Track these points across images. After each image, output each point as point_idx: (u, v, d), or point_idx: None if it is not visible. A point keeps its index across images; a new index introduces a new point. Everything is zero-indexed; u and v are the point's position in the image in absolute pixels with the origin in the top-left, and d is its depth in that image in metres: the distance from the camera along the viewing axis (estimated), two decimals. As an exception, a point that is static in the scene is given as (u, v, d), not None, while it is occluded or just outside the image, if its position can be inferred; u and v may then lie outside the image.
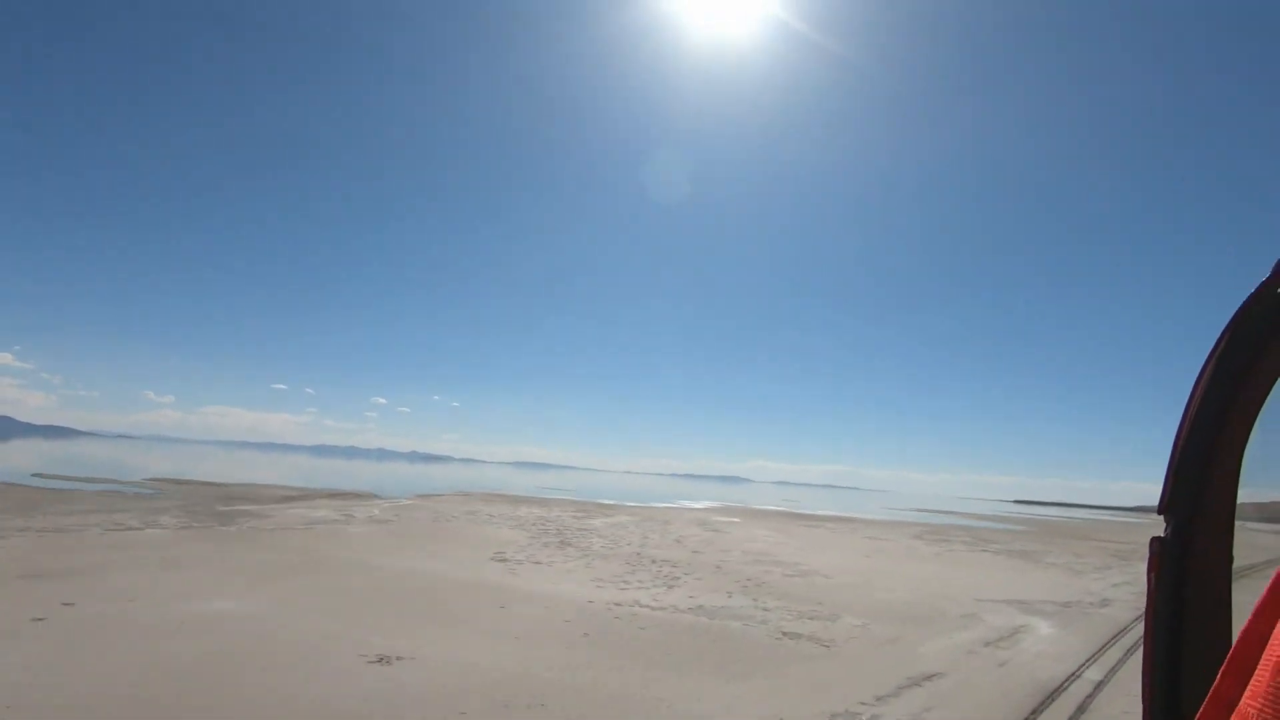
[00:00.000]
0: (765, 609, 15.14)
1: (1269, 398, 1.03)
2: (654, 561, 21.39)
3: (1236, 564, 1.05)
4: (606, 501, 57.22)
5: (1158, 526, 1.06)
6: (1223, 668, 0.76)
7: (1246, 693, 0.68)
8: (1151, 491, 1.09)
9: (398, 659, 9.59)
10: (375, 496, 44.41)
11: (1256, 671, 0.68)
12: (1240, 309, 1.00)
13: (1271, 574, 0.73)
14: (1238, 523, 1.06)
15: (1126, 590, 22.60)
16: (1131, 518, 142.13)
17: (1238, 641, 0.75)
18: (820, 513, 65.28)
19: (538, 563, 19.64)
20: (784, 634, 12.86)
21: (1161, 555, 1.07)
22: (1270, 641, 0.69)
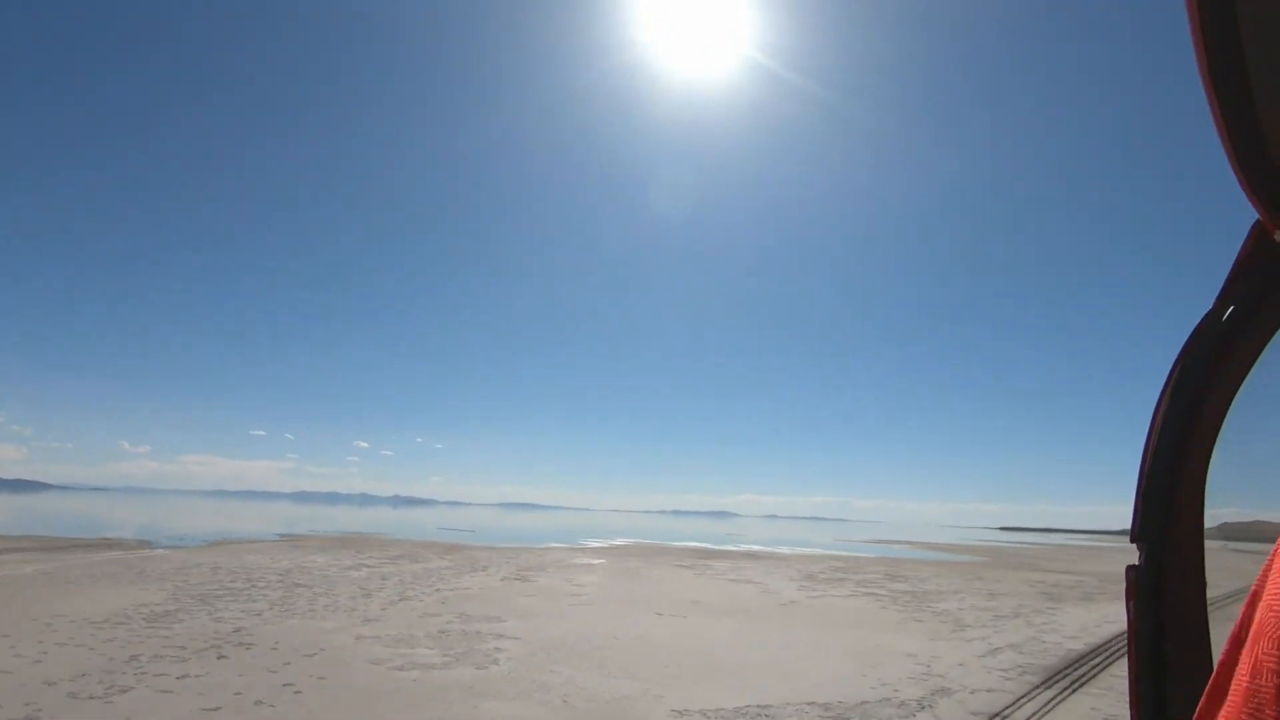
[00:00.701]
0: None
1: (1226, 421, 1.03)
2: (238, 646, 12.89)
3: (1213, 593, 1.05)
4: (470, 544, 48.21)
5: (1125, 552, 1.05)
6: (1204, 696, 0.76)
7: (1221, 716, 0.70)
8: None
9: None
10: (146, 547, 35.50)
11: (1228, 699, 0.70)
12: (1189, 338, 1.03)
13: (1245, 598, 0.76)
14: (1208, 546, 1.06)
15: (1002, 664, 14.25)
16: (1105, 542, 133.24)
17: (1217, 669, 0.76)
18: (737, 549, 56.44)
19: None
20: None
21: (1137, 584, 1.05)
22: (1238, 667, 0.70)
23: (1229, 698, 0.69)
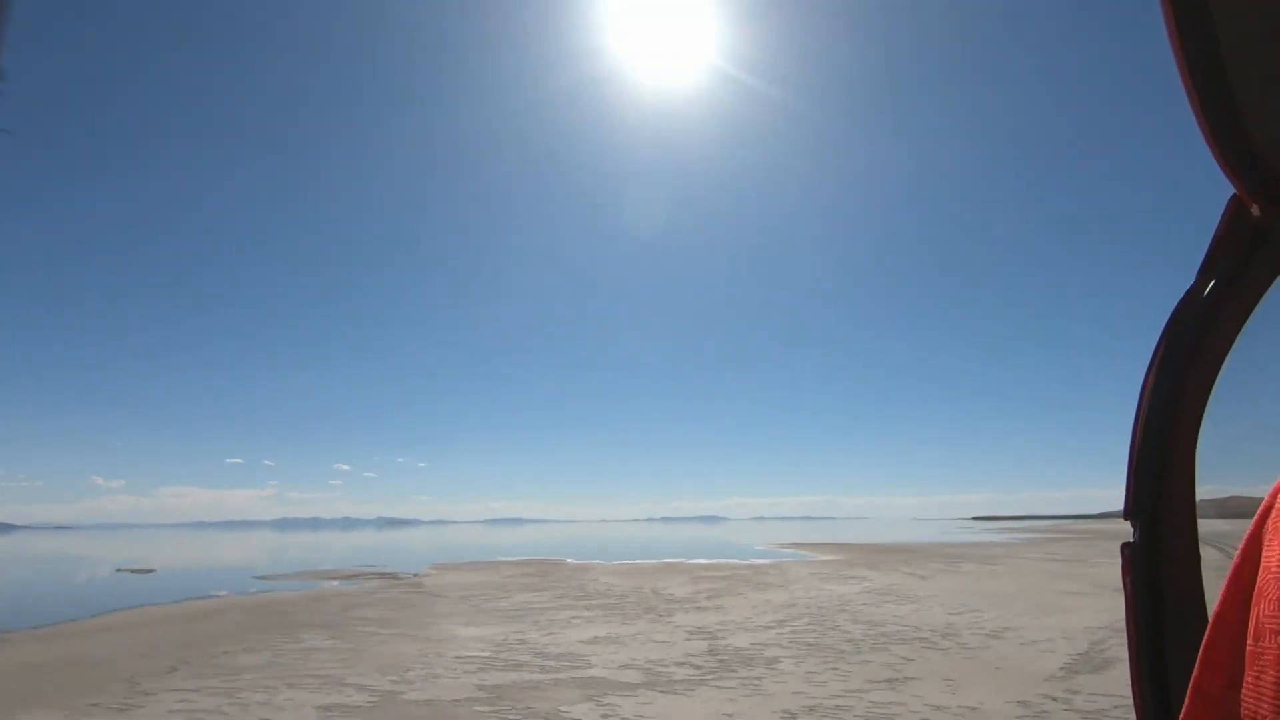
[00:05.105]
0: None
1: (1211, 396, 1.06)
2: None
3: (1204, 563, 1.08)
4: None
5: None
6: (1199, 660, 0.78)
7: (1221, 681, 0.70)
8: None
9: None
10: None
11: (1230, 661, 0.70)
12: (1172, 314, 1.05)
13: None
14: (1200, 521, 1.08)
15: None
16: (1075, 525, 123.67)
17: (1211, 625, 0.78)
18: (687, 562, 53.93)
19: None
20: None
21: (1133, 560, 1.08)
22: (1246, 630, 0.71)
23: (1232, 661, 0.69)
